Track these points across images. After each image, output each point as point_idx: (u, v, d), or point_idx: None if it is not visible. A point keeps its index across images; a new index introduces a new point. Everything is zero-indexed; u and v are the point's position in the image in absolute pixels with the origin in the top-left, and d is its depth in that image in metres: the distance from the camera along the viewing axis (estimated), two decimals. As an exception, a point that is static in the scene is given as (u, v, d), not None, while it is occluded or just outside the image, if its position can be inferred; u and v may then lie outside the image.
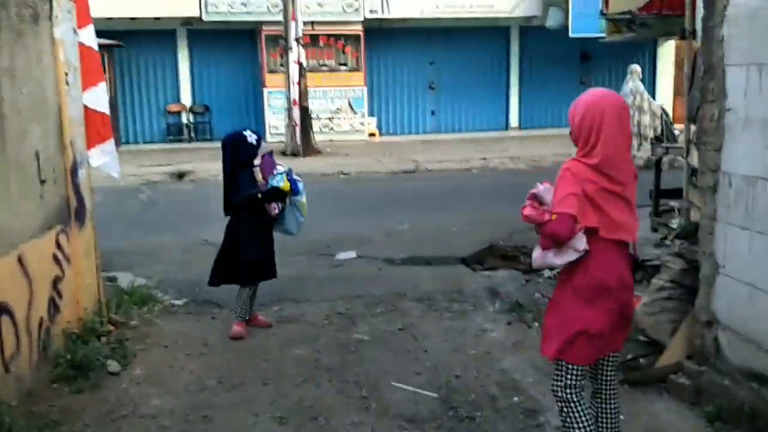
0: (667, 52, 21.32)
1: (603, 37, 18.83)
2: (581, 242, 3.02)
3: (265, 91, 18.58)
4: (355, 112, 19.01)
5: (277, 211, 5.37)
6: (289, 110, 16.37)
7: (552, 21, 19.10)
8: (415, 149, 17.34)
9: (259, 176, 5.25)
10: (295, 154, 16.09)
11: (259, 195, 5.20)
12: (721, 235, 3.84)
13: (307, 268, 7.24)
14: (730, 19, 3.71)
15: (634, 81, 12.46)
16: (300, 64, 16.23)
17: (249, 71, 19.57)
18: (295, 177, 5.41)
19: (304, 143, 16.10)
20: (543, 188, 3.20)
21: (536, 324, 5.46)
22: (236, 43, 19.44)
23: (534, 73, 20.82)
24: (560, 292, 3.22)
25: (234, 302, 5.49)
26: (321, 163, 15.27)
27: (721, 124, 3.80)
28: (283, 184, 5.29)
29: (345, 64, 19.19)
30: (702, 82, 3.94)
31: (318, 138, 17.07)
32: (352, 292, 6.42)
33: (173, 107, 19.53)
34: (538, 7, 19.50)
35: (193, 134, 19.41)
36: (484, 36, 20.37)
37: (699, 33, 6.62)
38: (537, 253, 3.21)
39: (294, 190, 5.35)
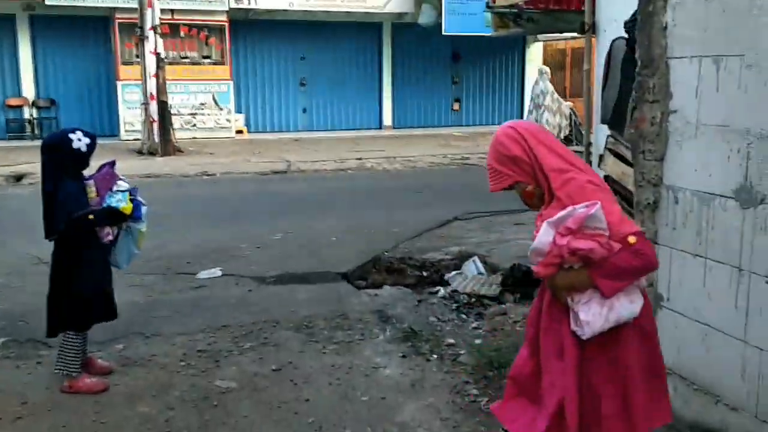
0: (536, 52, 21.49)
1: (476, 36, 18.75)
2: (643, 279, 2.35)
3: (119, 84, 16.94)
4: (221, 108, 17.73)
5: (111, 237, 4.25)
6: (146, 105, 14.90)
7: (424, 18, 18.67)
8: (287, 148, 16.35)
9: (92, 192, 4.13)
10: (152, 153, 14.66)
11: (91, 216, 4.08)
12: (665, 261, 3.21)
13: (160, 292, 6.13)
14: (676, 4, 3.07)
15: (544, 82, 12.15)
16: (157, 55, 14.79)
17: (101, 62, 17.82)
18: (139, 199, 4.31)
19: (162, 141, 14.69)
20: (595, 208, 2.24)
21: (434, 356, 4.70)
22: (86, 31, 17.64)
23: (407, 72, 20.35)
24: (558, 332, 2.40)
25: (58, 356, 4.30)
26: (182, 163, 13.96)
27: (664, 128, 3.16)
28: (125, 204, 4.17)
29: (209, 57, 17.85)
30: (640, 79, 3.29)
31: (179, 135, 15.69)
32: (215, 321, 5.40)
33: (13, 101, 17.45)
34: (410, 4, 19.01)
35: (37, 131, 17.41)
36: (357, 31, 19.66)
37: (599, 27, 6.14)
38: (593, 310, 2.29)
39: (135, 215, 4.26)
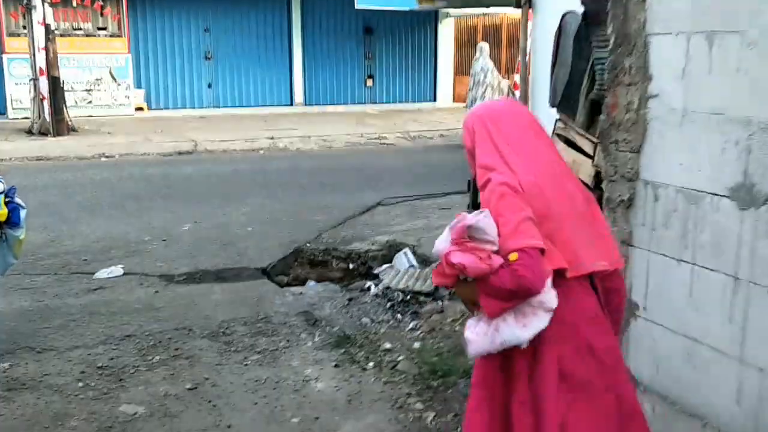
0: (448, 28, 21.19)
1: (388, 11, 18.25)
2: (551, 295, 2.00)
3: (5, 57, 15.49)
4: (118, 84, 16.55)
5: None
6: (35, 81, 13.64)
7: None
8: (192, 126, 15.42)
9: None
10: (44, 133, 13.48)
11: None
12: (641, 266, 2.84)
13: (53, 296, 5.38)
14: (657, -29, 2.67)
15: (484, 58, 11.73)
16: (47, 26, 13.53)
17: (-17, 32, 16.23)
18: (17, 201, 3.61)
19: (54, 120, 13.51)
20: (479, 217, 2.01)
21: (371, 364, 4.24)
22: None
23: (318, 45, 19.65)
24: (524, 380, 2.08)
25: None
26: (77, 144, 12.88)
27: (642, 115, 2.77)
28: None
29: (104, 29, 16.60)
30: (612, 58, 2.88)
31: (73, 113, 14.50)
32: (118, 330, 4.74)
33: None
34: (321, -26, 18.29)
35: None
36: (265, 2, 18.76)
37: (534, 2, 5.76)
38: (479, 328, 2.07)
39: (12, 220, 3.56)
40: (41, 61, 13.50)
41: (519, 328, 1.97)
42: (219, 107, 18.54)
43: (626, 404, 2.12)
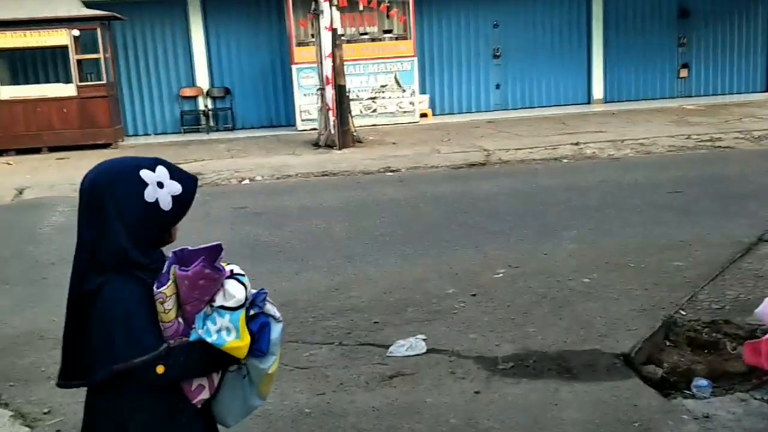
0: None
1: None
2: None
3: (294, 67, 15.23)
4: (404, 90, 15.53)
5: (206, 395, 1.95)
6: (322, 90, 13.00)
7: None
8: (480, 132, 13.84)
9: (169, 310, 1.83)
10: (330, 146, 12.75)
11: (161, 369, 1.81)
12: None
13: (337, 385, 3.89)
14: None
15: None
16: (334, 31, 12.79)
17: (275, 44, 16.27)
18: (270, 313, 1.97)
19: (340, 131, 12.72)
20: None
21: None
22: (258, 9, 16.16)
23: (621, 33, 17.02)
24: None
25: None
26: (361, 156, 11.92)
27: None
28: (233, 339, 1.82)
29: (390, 31, 15.71)
30: None
31: (357, 123, 13.68)
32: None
33: (188, 91, 16.39)
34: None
35: (212, 123, 16.26)
36: (560, -9, 16.66)
37: None
38: None
39: (257, 347, 1.92)
40: (328, 70, 12.81)
41: None
42: (507, 109, 16.81)
43: None
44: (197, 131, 16.02)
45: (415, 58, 15.50)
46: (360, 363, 4.15)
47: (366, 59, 15.24)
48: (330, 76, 12.71)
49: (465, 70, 16.82)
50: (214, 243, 1.88)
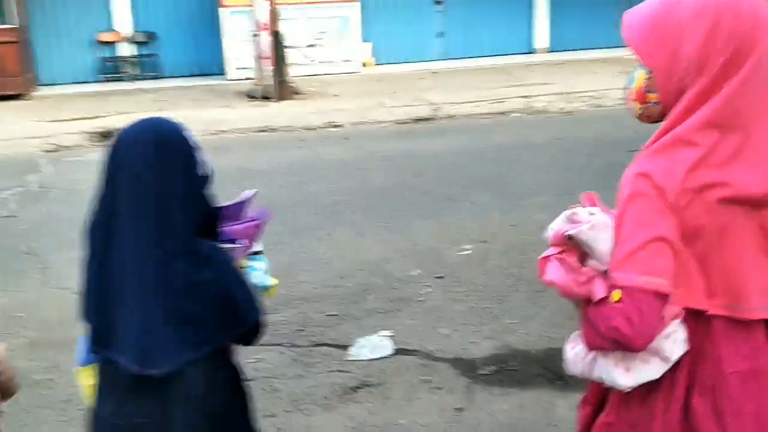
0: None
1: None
2: (678, 342, 1.47)
3: (223, 10, 14.14)
4: (344, 38, 14.66)
5: None
6: (256, 36, 12.05)
7: None
8: (425, 84, 13.18)
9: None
10: (266, 98, 11.88)
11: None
12: None
13: (289, 402, 3.30)
14: None
15: None
16: (267, -28, 11.81)
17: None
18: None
19: (277, 82, 11.86)
20: (592, 222, 1.49)
21: None
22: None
23: (566, -20, 16.47)
24: None
25: None
26: (302, 110, 11.14)
27: None
28: (271, 282, 2.01)
29: (330, -27, 14.72)
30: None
31: (294, 72, 12.81)
32: None
33: (107, 36, 15.08)
34: None
35: (138, 71, 15.05)
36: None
37: None
38: (577, 349, 1.56)
39: None
40: (263, 14, 11.85)
41: (619, 372, 1.47)
42: (450, 59, 16.14)
43: None
44: (120, 80, 14.81)
45: (358, 3, 14.60)
46: (316, 371, 3.55)
47: (305, 3, 14.27)
48: (266, 21, 11.77)
49: (405, 17, 16.00)
50: (250, 192, 1.96)
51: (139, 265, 1.58)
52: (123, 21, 15.06)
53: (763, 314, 1.48)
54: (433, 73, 14.56)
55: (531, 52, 16.61)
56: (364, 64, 15.00)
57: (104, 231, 1.61)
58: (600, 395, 1.64)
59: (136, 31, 15.17)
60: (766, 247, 1.48)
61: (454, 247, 5.04)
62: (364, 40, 15.19)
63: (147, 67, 15.12)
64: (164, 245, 1.59)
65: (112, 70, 15.02)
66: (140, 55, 15.18)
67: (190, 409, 1.65)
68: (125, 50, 15.15)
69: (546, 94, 11.47)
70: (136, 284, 1.57)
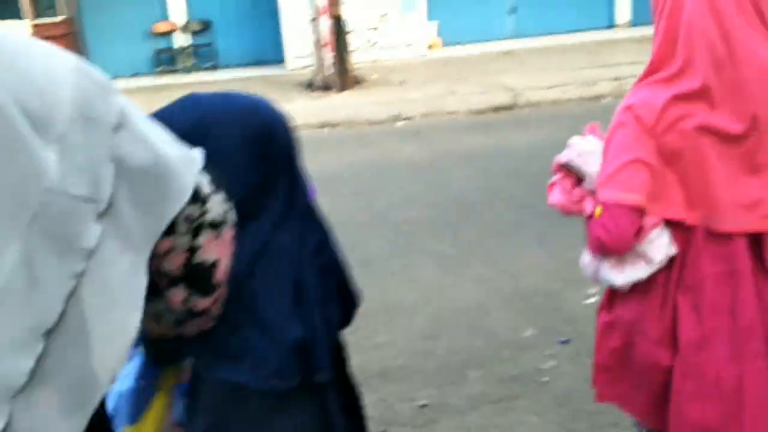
0: None
1: None
2: (661, 247, 1.67)
3: (282, -4, 13.28)
4: (407, 18, 13.61)
5: None
6: (315, 22, 11.12)
7: None
8: (498, 66, 12.04)
9: None
10: (327, 88, 10.97)
11: None
12: None
13: None
14: None
15: None
16: (326, -48, 10.85)
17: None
18: None
19: (338, 70, 10.92)
20: (578, 151, 1.81)
21: None
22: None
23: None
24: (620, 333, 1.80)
25: None
26: (365, 101, 10.19)
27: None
28: None
29: (389, -51, 13.67)
30: None
31: (356, 59, 11.86)
32: None
33: (161, 26, 14.42)
34: None
35: (193, 62, 14.36)
36: None
37: None
38: (587, 258, 1.83)
39: None
40: (321, -1, 10.93)
41: (614, 273, 1.74)
42: (523, 37, 14.89)
43: None
44: (174, 72, 14.15)
45: (421, -21, 13.52)
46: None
47: (364, -16, 13.27)
48: (325, 4, 10.82)
49: (475, -8, 14.81)
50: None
51: None
52: (177, 9, 14.37)
53: (735, 227, 1.62)
54: (505, 53, 13.38)
55: (611, 26, 15.22)
56: (429, 46, 13.92)
57: None
58: (609, 302, 1.84)
59: (190, 20, 14.47)
60: (744, 167, 1.61)
61: (575, 291, 3.97)
62: (429, 20, 14.08)
63: (203, 57, 14.42)
64: None
65: (167, 61, 14.37)
66: (195, 45, 14.49)
67: None
68: (180, 40, 14.48)
69: (634, 75, 10.19)
70: None
